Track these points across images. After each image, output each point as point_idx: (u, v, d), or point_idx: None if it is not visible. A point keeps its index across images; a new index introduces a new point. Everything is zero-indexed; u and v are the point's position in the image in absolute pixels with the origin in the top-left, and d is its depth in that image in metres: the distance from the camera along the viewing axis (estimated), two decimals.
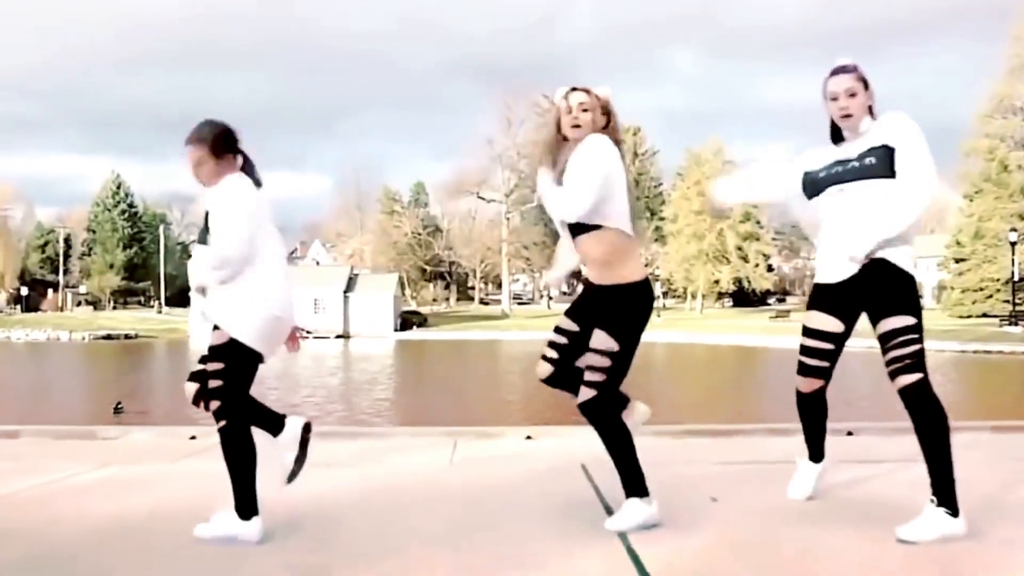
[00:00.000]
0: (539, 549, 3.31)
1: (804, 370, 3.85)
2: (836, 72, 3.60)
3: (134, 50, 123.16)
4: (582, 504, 3.98)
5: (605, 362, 3.53)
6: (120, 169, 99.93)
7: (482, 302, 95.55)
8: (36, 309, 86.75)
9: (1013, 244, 47.61)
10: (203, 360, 3.62)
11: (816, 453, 4.05)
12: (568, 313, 3.80)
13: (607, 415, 3.58)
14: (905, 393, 3.41)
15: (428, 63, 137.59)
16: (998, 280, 51.81)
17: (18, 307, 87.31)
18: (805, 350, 3.83)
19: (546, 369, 3.77)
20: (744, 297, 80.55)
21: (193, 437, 6.08)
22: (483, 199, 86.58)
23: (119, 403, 18.51)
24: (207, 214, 3.57)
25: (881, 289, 3.51)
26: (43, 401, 22.11)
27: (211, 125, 3.64)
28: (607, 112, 3.65)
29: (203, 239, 3.58)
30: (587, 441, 4.65)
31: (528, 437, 5.97)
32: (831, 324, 3.72)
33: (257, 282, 3.53)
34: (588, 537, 3.44)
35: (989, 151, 53.78)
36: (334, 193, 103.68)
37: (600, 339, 3.54)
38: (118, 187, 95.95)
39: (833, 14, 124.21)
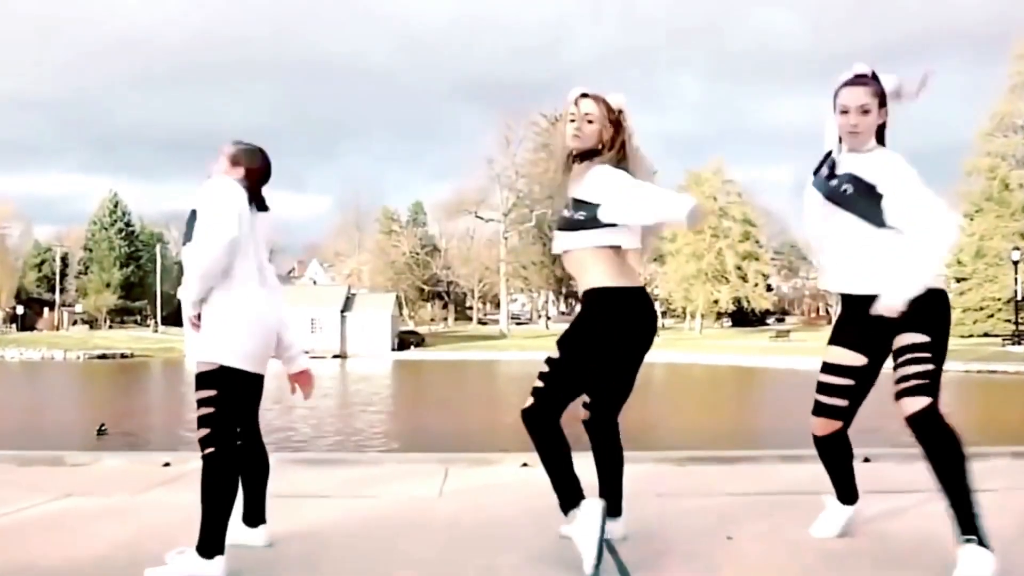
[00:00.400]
0: None
1: (819, 409, 3.50)
2: (852, 83, 3.31)
3: (135, 71, 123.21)
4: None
5: (545, 369, 3.36)
6: (118, 188, 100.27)
7: (480, 322, 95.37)
8: (32, 328, 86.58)
9: (1016, 263, 47.39)
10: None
11: (846, 494, 3.67)
12: None
13: (540, 424, 3.30)
14: (912, 421, 3.12)
15: (429, 85, 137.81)
16: (999, 299, 51.83)
17: (14, 326, 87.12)
18: (821, 387, 3.48)
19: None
20: (743, 317, 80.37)
21: (167, 464, 5.72)
22: (481, 219, 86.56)
23: (102, 425, 18.14)
24: (193, 213, 3.40)
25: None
26: (29, 422, 21.69)
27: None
28: (617, 123, 3.41)
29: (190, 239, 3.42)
30: (584, 469, 4.33)
31: (524, 464, 5.64)
32: (851, 358, 3.39)
33: (239, 299, 3.36)
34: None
35: (990, 170, 53.98)
36: (332, 213, 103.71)
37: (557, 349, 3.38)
38: (115, 206, 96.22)
39: (833, 36, 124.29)
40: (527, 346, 62.45)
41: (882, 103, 3.31)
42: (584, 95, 3.41)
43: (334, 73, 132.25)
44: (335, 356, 63.41)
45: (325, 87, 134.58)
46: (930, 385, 3.12)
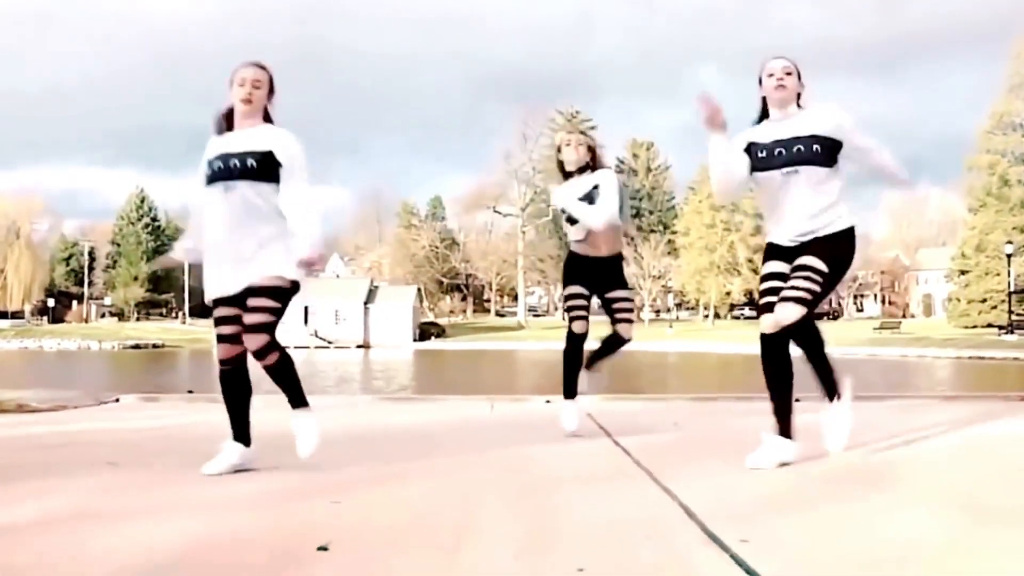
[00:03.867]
0: (564, 469, 5.09)
1: (770, 306, 4.23)
2: (775, 58, 4.15)
3: (158, 66, 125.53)
4: (591, 432, 5.71)
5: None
6: (144, 183, 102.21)
7: (498, 314, 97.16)
8: (61, 320, 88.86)
9: (1009, 256, 49.31)
10: (232, 302, 4.02)
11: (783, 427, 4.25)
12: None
13: None
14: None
15: (448, 81, 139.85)
16: (1001, 291, 53.15)
17: (44, 318, 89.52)
18: (768, 292, 4.27)
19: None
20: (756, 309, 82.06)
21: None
22: (499, 213, 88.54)
23: (190, 391, 19.90)
24: (250, 153, 3.95)
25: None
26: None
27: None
28: (592, 148, 5.50)
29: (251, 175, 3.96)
30: (592, 402, 6.41)
31: (547, 401, 7.75)
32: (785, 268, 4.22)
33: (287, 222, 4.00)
34: (592, 445, 5.21)
35: (990, 166, 55.53)
36: (352, 206, 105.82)
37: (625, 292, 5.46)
38: (142, 201, 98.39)
39: (850, 32, 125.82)
40: (544, 336, 64.44)
41: (799, 77, 4.15)
42: (571, 132, 5.66)
43: (355, 68, 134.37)
44: (359, 346, 65.66)
45: (346, 82, 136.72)
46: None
